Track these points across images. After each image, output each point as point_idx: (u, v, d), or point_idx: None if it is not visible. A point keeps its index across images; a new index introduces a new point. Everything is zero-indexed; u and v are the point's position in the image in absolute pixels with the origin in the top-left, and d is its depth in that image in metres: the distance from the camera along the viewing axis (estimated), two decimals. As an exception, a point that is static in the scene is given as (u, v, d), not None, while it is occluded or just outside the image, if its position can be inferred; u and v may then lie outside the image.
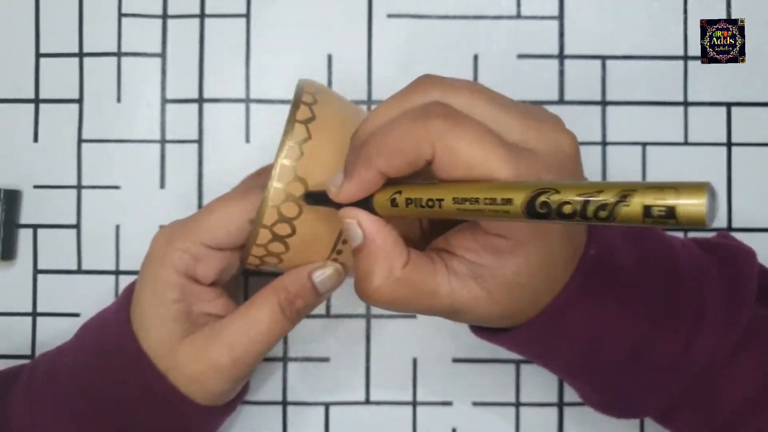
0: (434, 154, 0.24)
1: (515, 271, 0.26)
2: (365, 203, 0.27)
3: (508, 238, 0.26)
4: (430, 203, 0.24)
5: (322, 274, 0.31)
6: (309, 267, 0.31)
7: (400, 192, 0.25)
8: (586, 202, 0.20)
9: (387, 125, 0.26)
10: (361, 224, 0.27)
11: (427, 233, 0.32)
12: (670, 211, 0.18)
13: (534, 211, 0.21)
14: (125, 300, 0.33)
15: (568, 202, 0.20)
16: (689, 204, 0.18)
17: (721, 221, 0.40)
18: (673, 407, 0.31)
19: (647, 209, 0.18)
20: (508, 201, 0.22)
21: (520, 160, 0.24)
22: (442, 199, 0.24)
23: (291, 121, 0.30)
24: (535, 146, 0.25)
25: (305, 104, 0.30)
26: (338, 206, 0.27)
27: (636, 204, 0.19)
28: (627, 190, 0.19)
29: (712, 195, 0.18)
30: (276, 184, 0.29)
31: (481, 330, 0.33)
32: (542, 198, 0.21)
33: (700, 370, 0.30)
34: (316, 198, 0.29)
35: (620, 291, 0.29)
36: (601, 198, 0.19)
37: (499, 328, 0.31)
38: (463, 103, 0.26)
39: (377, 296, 0.27)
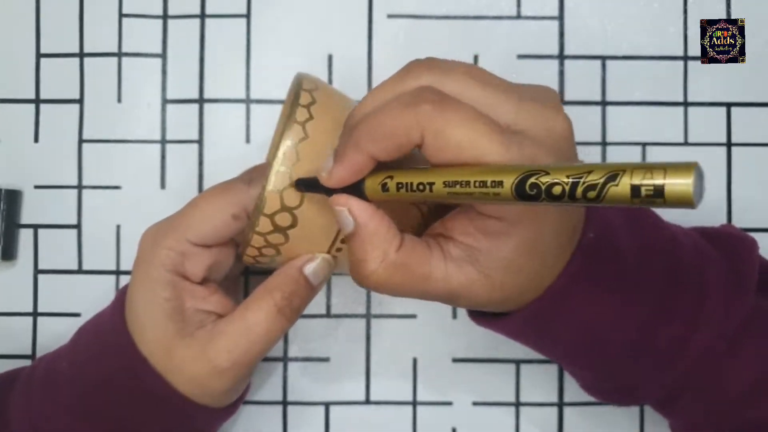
0: (423, 139, 0.25)
1: (511, 253, 0.27)
2: (357, 189, 0.27)
3: (502, 219, 0.26)
4: (421, 187, 0.24)
5: (312, 266, 0.31)
6: (298, 262, 0.31)
7: (391, 177, 0.26)
8: (575, 183, 0.20)
9: (378, 110, 0.26)
10: (351, 211, 0.27)
11: (428, 220, 0.32)
12: (658, 191, 0.18)
13: (524, 193, 0.21)
14: (119, 302, 0.33)
15: (557, 183, 0.20)
16: (677, 184, 0.18)
17: (721, 220, 0.40)
18: (674, 394, 0.31)
19: (635, 189, 0.19)
20: (499, 183, 0.22)
21: (511, 142, 0.24)
22: (433, 183, 0.24)
23: (293, 106, 0.30)
24: (528, 127, 0.26)
25: (306, 90, 0.30)
26: (330, 192, 0.28)
27: (624, 184, 0.19)
28: (615, 170, 0.19)
29: (700, 175, 0.18)
30: (279, 168, 0.29)
31: (479, 317, 0.33)
32: (532, 180, 0.21)
33: (701, 356, 0.30)
34: (308, 184, 0.29)
35: (621, 275, 0.29)
36: (589, 179, 0.20)
37: (498, 313, 0.31)
38: (455, 87, 0.26)
39: (373, 280, 0.27)
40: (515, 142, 0.24)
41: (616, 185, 0.19)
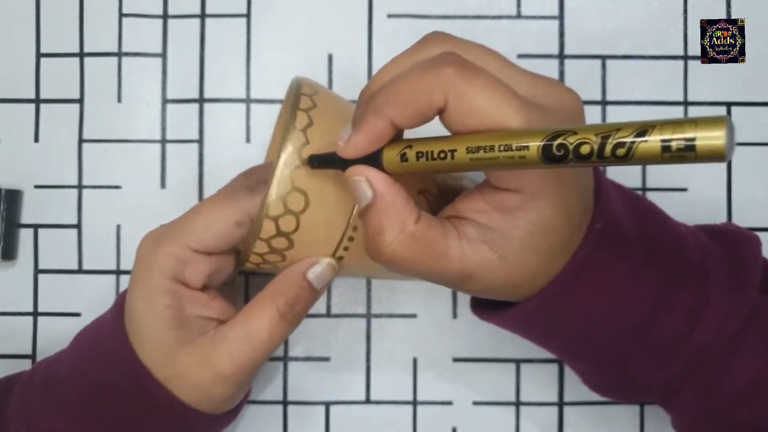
0: (446, 103, 0.24)
1: (527, 230, 0.26)
2: (373, 161, 0.26)
3: (519, 191, 0.25)
4: (443, 155, 0.24)
5: (316, 270, 0.31)
6: (301, 267, 0.31)
7: (410, 146, 0.25)
8: (603, 141, 0.20)
9: (398, 76, 0.25)
10: (370, 181, 0.26)
11: (433, 205, 0.32)
12: (690, 145, 0.18)
13: (551, 155, 0.21)
14: (119, 307, 0.33)
15: (585, 142, 0.20)
16: (709, 137, 0.18)
17: (721, 220, 0.40)
18: (674, 389, 0.31)
19: (666, 144, 0.18)
20: (525, 147, 0.21)
21: (531, 111, 0.24)
22: (455, 150, 0.23)
23: (293, 111, 0.29)
24: (544, 102, 0.26)
25: (305, 95, 0.30)
26: (345, 167, 0.27)
27: (654, 140, 0.19)
28: (645, 127, 0.19)
29: (731, 128, 0.18)
30: (282, 172, 0.29)
31: (482, 309, 0.33)
32: (559, 140, 0.21)
33: (703, 351, 0.30)
34: (322, 160, 0.28)
35: (626, 266, 0.29)
36: (619, 135, 0.19)
37: (500, 306, 0.31)
38: (474, 57, 0.26)
39: (390, 252, 0.26)
40: (534, 111, 0.24)
41: (646, 141, 0.19)
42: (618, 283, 0.29)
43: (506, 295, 0.29)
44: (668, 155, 0.18)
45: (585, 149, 0.20)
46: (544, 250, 0.27)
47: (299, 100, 0.30)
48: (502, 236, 0.26)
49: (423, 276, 0.27)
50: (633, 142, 0.19)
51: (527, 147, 0.21)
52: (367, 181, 0.26)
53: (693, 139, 0.18)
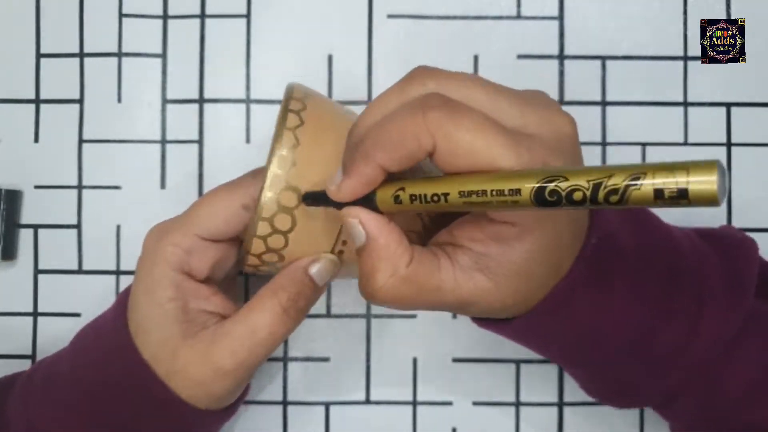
0: (435, 145, 0.24)
1: (523, 258, 0.26)
2: (367, 200, 0.26)
3: (515, 224, 0.26)
4: (435, 198, 0.24)
5: (318, 266, 0.31)
6: (303, 263, 0.31)
7: (403, 189, 0.25)
8: (596, 188, 0.19)
9: (384, 119, 0.25)
10: (363, 224, 0.26)
11: (429, 227, 0.32)
12: (682, 192, 0.18)
13: (543, 200, 0.21)
14: (121, 305, 0.33)
15: (578, 189, 0.20)
16: (700, 183, 0.18)
17: (721, 220, 0.40)
18: (673, 396, 0.31)
19: (659, 191, 0.18)
20: (517, 191, 0.21)
21: (521, 146, 0.24)
22: (448, 194, 0.24)
23: (284, 113, 0.30)
24: (535, 130, 0.25)
25: (296, 99, 0.30)
26: (339, 206, 0.27)
27: (647, 187, 0.18)
28: (637, 173, 0.19)
29: (722, 172, 0.18)
30: (276, 171, 0.29)
31: (482, 320, 0.33)
32: (551, 186, 0.20)
33: (701, 359, 0.30)
34: (316, 198, 0.29)
35: (622, 279, 0.29)
36: (611, 182, 0.19)
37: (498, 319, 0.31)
38: (460, 93, 0.25)
39: (381, 295, 0.27)
40: (525, 145, 0.24)
41: (638, 189, 0.19)
42: (614, 296, 0.29)
43: (503, 314, 0.30)
44: (661, 202, 0.18)
45: (578, 195, 0.20)
46: (540, 275, 0.27)
47: (289, 102, 0.30)
48: (497, 264, 0.27)
49: (419, 309, 0.28)
50: (626, 189, 0.19)
51: (519, 192, 0.21)
52: (360, 223, 0.27)
53: (686, 187, 0.18)
